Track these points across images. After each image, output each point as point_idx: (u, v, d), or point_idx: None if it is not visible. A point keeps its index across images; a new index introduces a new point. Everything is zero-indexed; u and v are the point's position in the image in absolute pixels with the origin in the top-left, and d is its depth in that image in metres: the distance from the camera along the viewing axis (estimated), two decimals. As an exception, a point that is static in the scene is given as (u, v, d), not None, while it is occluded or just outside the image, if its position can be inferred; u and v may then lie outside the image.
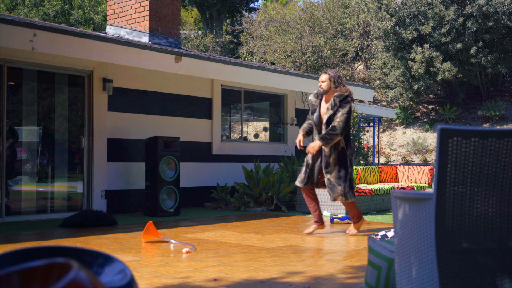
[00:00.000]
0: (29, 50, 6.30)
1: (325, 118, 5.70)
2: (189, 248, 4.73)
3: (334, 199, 5.69)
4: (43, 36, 6.33)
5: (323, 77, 5.76)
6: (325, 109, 5.76)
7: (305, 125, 6.03)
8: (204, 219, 7.37)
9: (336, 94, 5.69)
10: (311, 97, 5.97)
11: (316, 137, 5.79)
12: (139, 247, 4.99)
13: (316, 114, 5.82)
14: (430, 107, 22.04)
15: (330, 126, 5.62)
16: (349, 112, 5.64)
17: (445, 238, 2.13)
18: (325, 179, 5.70)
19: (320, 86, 5.79)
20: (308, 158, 5.86)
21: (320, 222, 5.90)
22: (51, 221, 6.99)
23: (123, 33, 9.52)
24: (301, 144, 5.97)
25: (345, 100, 5.66)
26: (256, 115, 12.38)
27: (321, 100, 5.86)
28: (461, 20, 17.87)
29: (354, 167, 8.37)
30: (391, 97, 20.87)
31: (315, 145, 5.68)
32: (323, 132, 5.67)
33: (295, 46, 21.73)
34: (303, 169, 5.88)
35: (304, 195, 5.92)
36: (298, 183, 5.90)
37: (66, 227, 6.41)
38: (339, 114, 5.61)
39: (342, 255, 4.60)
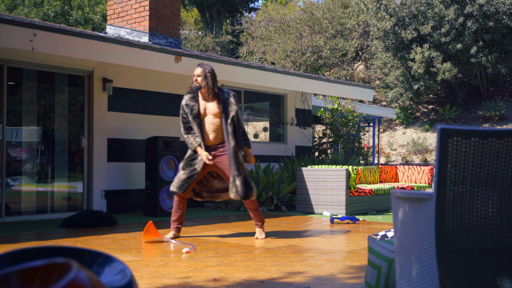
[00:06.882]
0: (29, 50, 6.30)
1: (226, 116, 5.32)
2: (189, 248, 4.73)
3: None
4: (43, 36, 6.33)
5: (198, 70, 5.37)
6: (215, 108, 5.34)
7: (197, 139, 5.33)
8: (204, 219, 7.37)
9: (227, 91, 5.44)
10: (187, 101, 5.35)
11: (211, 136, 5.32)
12: (139, 247, 4.99)
13: (196, 113, 5.31)
14: (430, 107, 22.04)
15: (242, 131, 5.39)
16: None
17: (445, 238, 2.13)
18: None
19: (196, 80, 5.37)
20: (197, 166, 5.35)
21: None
22: (51, 221, 6.99)
23: (123, 33, 9.51)
24: (210, 158, 5.31)
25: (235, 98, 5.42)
26: (256, 115, 12.36)
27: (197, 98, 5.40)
28: (461, 19, 17.86)
29: (355, 167, 8.37)
30: (391, 97, 20.87)
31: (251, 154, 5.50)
32: (229, 134, 5.28)
33: (295, 46, 21.72)
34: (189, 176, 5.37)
35: (182, 200, 5.50)
36: (176, 188, 5.40)
37: (66, 227, 6.41)
38: (239, 115, 5.40)
39: (342, 255, 4.60)
